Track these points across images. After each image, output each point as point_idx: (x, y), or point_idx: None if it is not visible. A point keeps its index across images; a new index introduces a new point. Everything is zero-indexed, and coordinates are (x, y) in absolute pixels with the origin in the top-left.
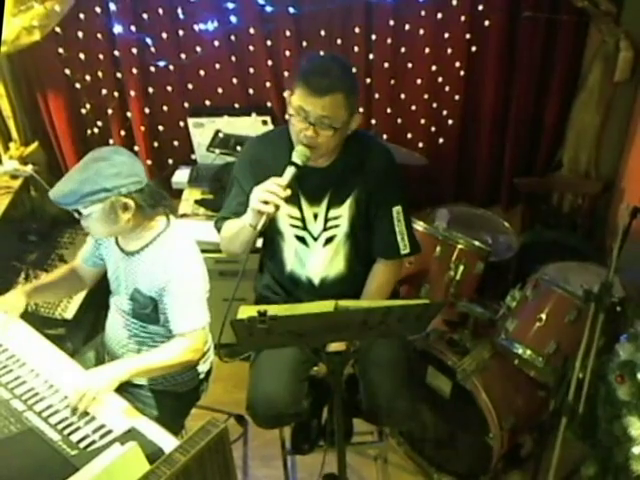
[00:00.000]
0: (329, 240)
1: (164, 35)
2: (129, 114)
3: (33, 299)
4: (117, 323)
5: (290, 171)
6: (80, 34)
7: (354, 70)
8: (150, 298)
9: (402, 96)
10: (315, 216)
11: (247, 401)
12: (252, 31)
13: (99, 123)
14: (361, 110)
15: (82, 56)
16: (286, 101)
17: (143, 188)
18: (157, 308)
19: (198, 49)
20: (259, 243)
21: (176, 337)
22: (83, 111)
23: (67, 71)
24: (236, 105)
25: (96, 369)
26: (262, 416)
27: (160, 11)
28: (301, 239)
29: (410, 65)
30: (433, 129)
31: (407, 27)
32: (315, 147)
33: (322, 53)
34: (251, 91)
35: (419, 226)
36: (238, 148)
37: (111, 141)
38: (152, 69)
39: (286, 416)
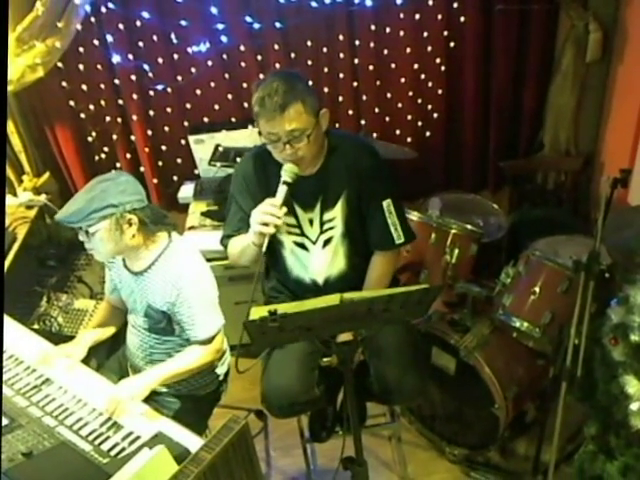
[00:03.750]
0: (327, 242)
1: (160, 60)
2: (133, 137)
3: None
4: (135, 339)
5: (283, 190)
6: (81, 67)
7: (301, 76)
8: (163, 312)
9: (388, 95)
10: (311, 221)
11: (261, 394)
12: (242, 48)
13: (105, 149)
14: (350, 112)
15: (84, 87)
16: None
17: (145, 207)
18: (171, 321)
19: (193, 70)
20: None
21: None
22: (89, 139)
23: (71, 103)
24: (233, 119)
25: (127, 379)
26: (276, 407)
27: (154, 38)
28: (300, 245)
29: (393, 65)
30: (420, 123)
31: (388, 30)
32: (301, 160)
33: (266, 76)
34: (246, 105)
35: (414, 216)
36: (238, 160)
37: (118, 164)
38: (151, 93)
39: (299, 404)
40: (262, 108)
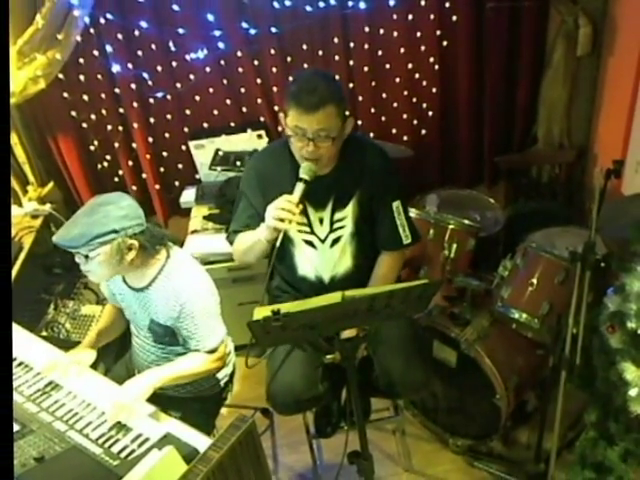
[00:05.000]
0: (336, 241)
1: (159, 68)
2: (134, 145)
3: (99, 345)
4: (139, 348)
5: (300, 187)
6: (82, 77)
7: (338, 79)
8: (166, 327)
9: (384, 95)
10: (321, 220)
11: (266, 393)
12: (239, 54)
13: (107, 157)
14: (347, 113)
15: (85, 97)
16: (281, 122)
17: (144, 230)
18: (175, 333)
19: (192, 77)
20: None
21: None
22: (92, 148)
23: (73, 113)
24: (232, 124)
25: (129, 381)
26: (281, 404)
27: (153, 46)
28: (309, 243)
29: (388, 66)
30: (415, 122)
31: (381, 31)
32: (320, 159)
33: (305, 70)
34: (244, 109)
35: (412, 213)
36: (238, 163)
37: (120, 172)
38: (151, 101)
39: (304, 401)
40: (297, 102)
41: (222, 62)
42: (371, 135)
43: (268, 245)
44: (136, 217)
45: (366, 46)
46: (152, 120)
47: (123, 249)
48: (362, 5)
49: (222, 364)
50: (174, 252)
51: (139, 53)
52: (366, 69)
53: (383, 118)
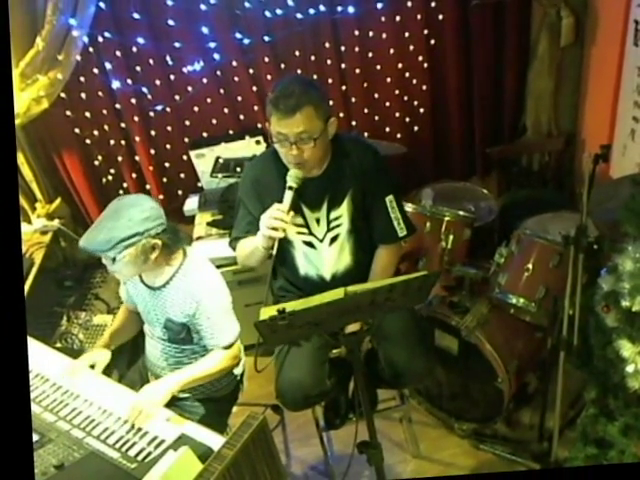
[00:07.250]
0: (334, 239)
1: (158, 82)
2: (137, 158)
3: (113, 346)
4: (154, 348)
5: (289, 195)
6: (83, 95)
7: (317, 82)
8: (182, 324)
9: (376, 95)
10: (318, 220)
11: (276, 390)
12: (235, 64)
13: (112, 171)
14: (341, 115)
15: (88, 114)
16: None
17: (166, 228)
18: (190, 331)
19: (189, 89)
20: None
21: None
22: (96, 163)
23: (76, 130)
24: (230, 132)
25: (148, 386)
26: (291, 400)
27: (151, 61)
28: (308, 243)
29: (379, 67)
30: (408, 119)
31: (371, 34)
32: (305, 162)
33: (284, 78)
34: (242, 117)
35: (408, 207)
36: (238, 169)
37: (125, 184)
38: (151, 114)
39: (312, 397)
40: (275, 108)
41: (218, 73)
42: (365, 135)
43: (266, 252)
44: (158, 217)
45: (357, 49)
46: (153, 133)
47: (147, 249)
48: (351, 9)
49: (238, 361)
50: (191, 252)
51: (138, 68)
52: (358, 71)
53: (376, 117)
